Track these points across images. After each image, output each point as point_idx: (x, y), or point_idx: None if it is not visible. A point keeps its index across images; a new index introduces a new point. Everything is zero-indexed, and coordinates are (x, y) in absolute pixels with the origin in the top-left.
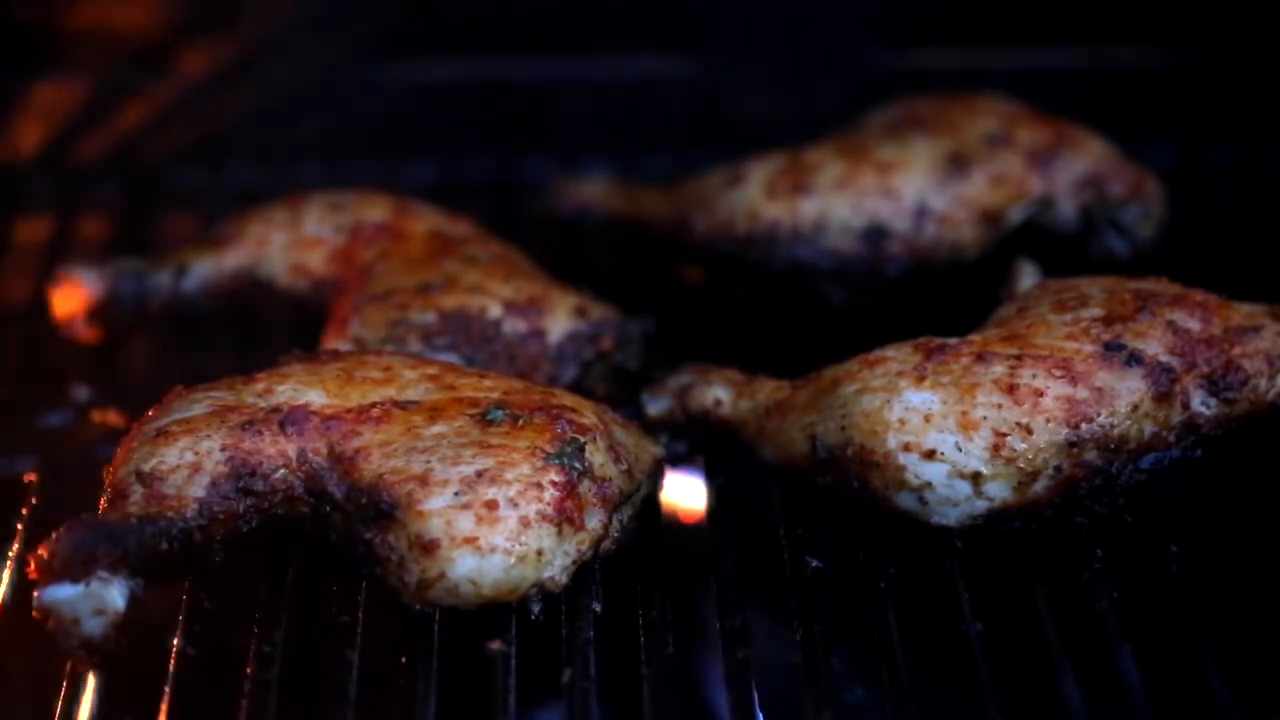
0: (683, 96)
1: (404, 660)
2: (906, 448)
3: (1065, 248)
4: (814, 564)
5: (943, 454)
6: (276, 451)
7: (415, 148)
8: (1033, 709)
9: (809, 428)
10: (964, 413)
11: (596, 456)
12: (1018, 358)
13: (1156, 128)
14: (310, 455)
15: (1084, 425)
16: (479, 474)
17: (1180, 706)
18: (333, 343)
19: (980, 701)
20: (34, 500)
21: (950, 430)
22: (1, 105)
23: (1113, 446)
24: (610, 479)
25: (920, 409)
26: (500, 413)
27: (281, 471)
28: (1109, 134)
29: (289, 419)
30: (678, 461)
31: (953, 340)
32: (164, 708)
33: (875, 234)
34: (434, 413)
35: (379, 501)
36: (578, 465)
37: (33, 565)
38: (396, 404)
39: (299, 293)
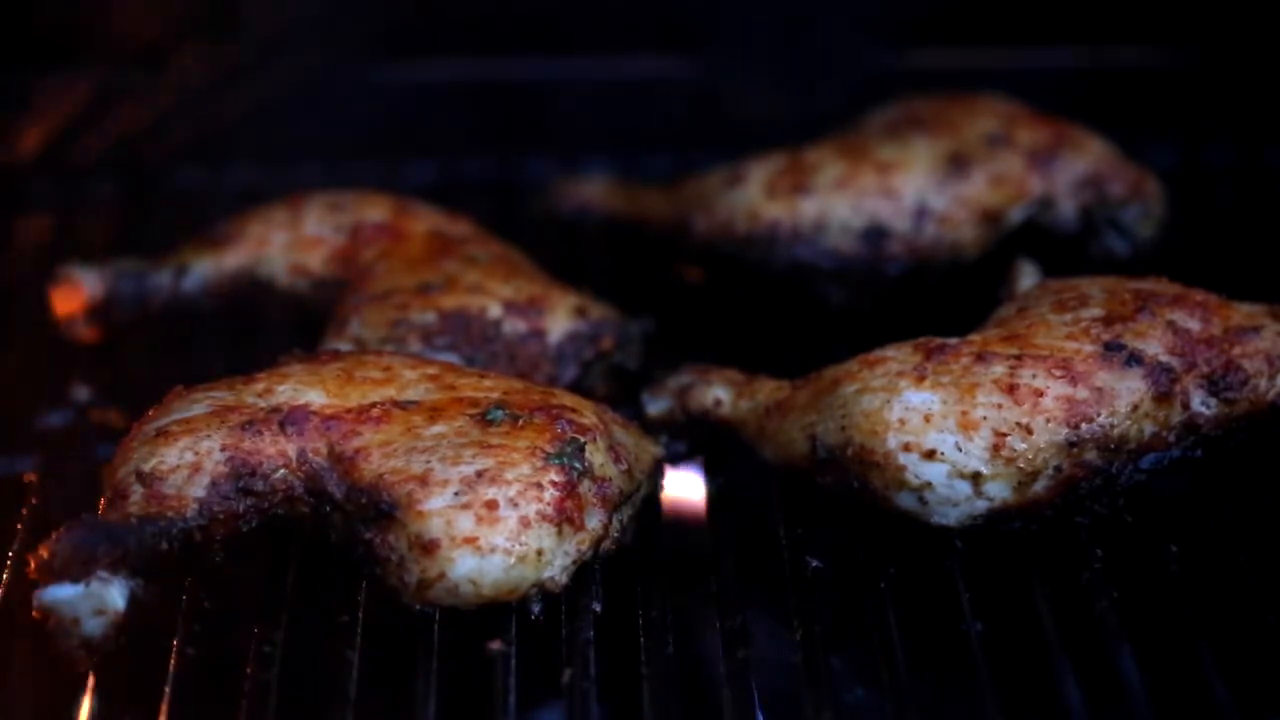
0: (683, 96)
1: (404, 660)
2: (906, 448)
3: (1065, 248)
4: (814, 564)
5: (943, 454)
6: (276, 451)
7: (415, 148)
8: (1033, 709)
9: (809, 428)
10: (964, 413)
11: (596, 456)
12: (1018, 358)
13: (1156, 128)
14: (310, 455)
15: (1084, 425)
16: (479, 474)
17: (1180, 706)
18: (333, 343)
19: (980, 701)
20: (34, 500)
21: (950, 430)
22: (1, 105)
23: (1113, 446)
24: (610, 479)
25: (920, 409)
26: (500, 413)
27: (281, 471)
28: (1109, 134)
29: (289, 419)
30: (678, 461)
31: (953, 340)
32: (164, 708)
33: (875, 234)
34: (434, 413)
35: (379, 501)
36: (578, 465)
37: (33, 565)
38: (396, 404)
39: (299, 293)
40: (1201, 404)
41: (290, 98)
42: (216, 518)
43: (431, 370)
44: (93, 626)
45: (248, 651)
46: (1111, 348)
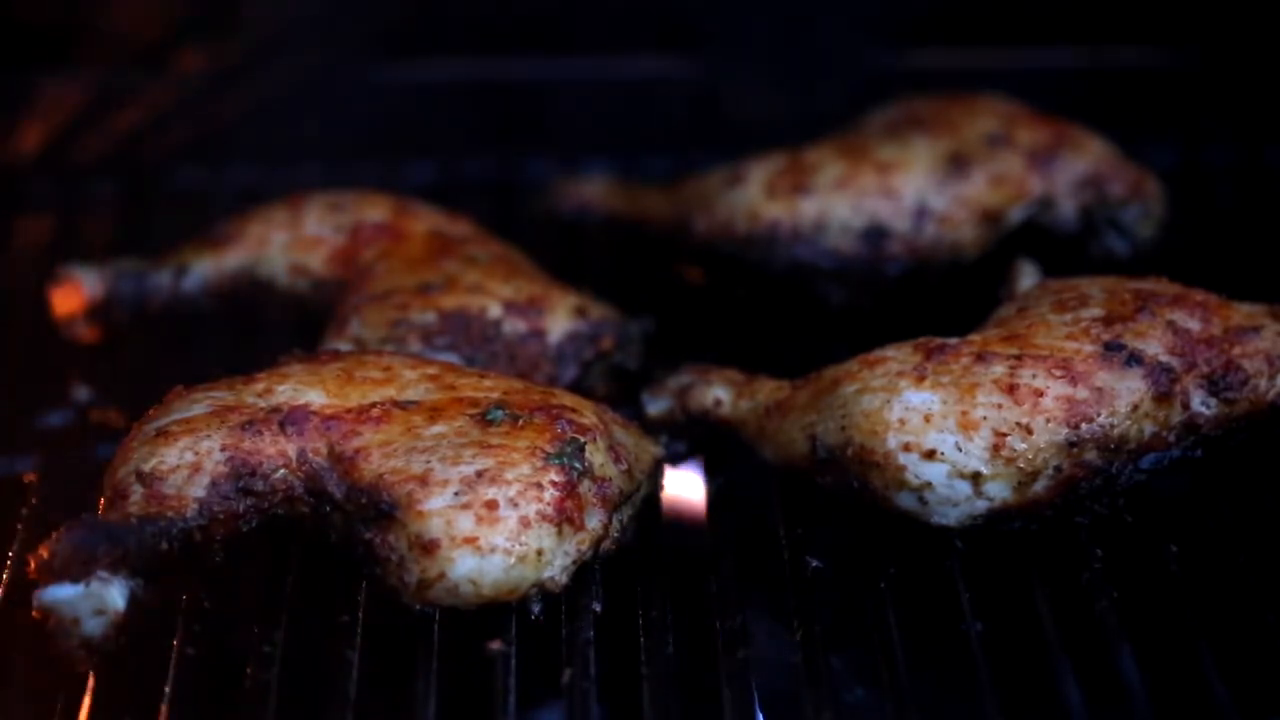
0: (683, 96)
1: (404, 660)
2: (906, 448)
3: (1065, 248)
4: (814, 564)
5: (943, 454)
6: (276, 451)
7: (415, 148)
8: (1033, 709)
9: (809, 428)
10: (964, 413)
11: (596, 456)
12: (1018, 358)
13: (1156, 128)
14: (310, 455)
15: (1084, 425)
16: (479, 474)
17: (1180, 706)
18: (333, 343)
19: (980, 701)
20: (34, 500)
21: (950, 430)
22: (2, 105)
23: (1113, 446)
24: (610, 479)
25: (920, 409)
26: (500, 413)
27: (281, 471)
28: (1109, 134)
29: (289, 419)
30: (678, 461)
31: (953, 340)
32: (164, 708)
33: (875, 234)
34: (434, 413)
35: (379, 501)
36: (578, 465)
37: (33, 565)
38: (396, 404)
39: (299, 293)
40: (1201, 404)
41: (290, 98)
42: (216, 518)
43: (431, 370)
44: (93, 626)
45: (248, 651)
46: (1111, 348)
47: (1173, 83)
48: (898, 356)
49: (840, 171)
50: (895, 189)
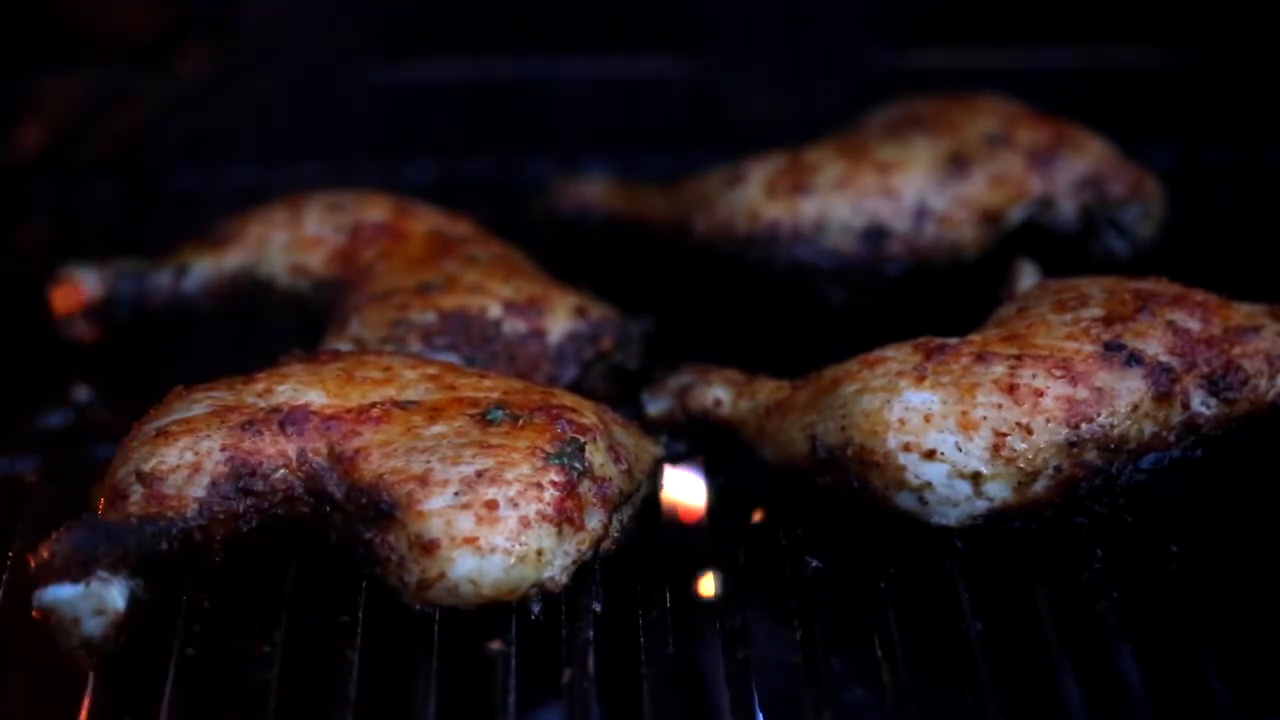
0: (683, 96)
1: (404, 660)
2: (906, 448)
3: (1065, 248)
4: (814, 564)
5: (943, 454)
6: (276, 451)
7: (415, 148)
8: (1033, 709)
9: (809, 428)
10: (964, 413)
11: (596, 456)
12: (1018, 358)
13: (1156, 128)
14: (310, 455)
15: (1084, 425)
16: (479, 474)
17: (1180, 706)
18: (333, 343)
19: (980, 701)
20: (34, 500)
21: (950, 430)
22: (2, 105)
23: (1113, 446)
24: (610, 479)
25: (920, 409)
26: (500, 413)
27: (281, 471)
28: (1109, 134)
29: (289, 419)
30: (678, 461)
31: (953, 340)
32: (164, 708)
33: (875, 234)
34: (434, 413)
35: (379, 501)
36: (578, 465)
37: (33, 565)
38: (396, 404)
39: (299, 293)
40: (1201, 404)
41: (290, 98)
42: (216, 518)
43: (431, 370)
44: (93, 626)
45: (248, 651)
46: (1111, 348)
47: (1173, 83)
48: (898, 356)
49: (840, 171)
50: (895, 189)
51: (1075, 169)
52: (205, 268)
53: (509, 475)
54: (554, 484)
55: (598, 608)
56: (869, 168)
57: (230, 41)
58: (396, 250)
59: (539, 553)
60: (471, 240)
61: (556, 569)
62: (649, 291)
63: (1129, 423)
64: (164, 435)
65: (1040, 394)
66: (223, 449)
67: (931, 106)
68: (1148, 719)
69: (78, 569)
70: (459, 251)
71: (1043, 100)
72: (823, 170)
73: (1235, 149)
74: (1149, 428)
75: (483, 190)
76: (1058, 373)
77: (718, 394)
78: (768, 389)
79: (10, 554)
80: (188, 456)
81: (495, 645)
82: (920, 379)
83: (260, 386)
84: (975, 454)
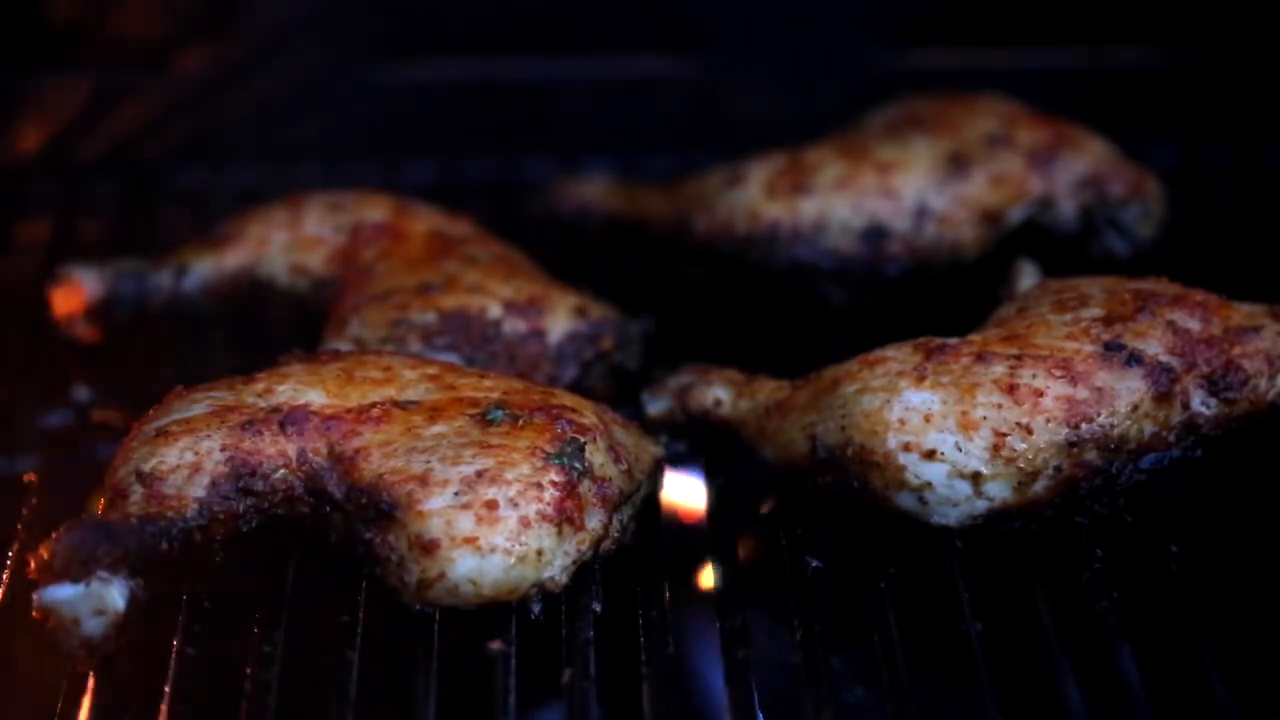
0: (683, 96)
1: (404, 660)
2: (906, 448)
3: (1065, 248)
4: (814, 564)
5: (943, 454)
6: (276, 451)
7: (415, 148)
8: (1033, 709)
9: (809, 428)
10: (964, 413)
11: (596, 456)
12: (1018, 358)
13: (1156, 128)
14: (310, 455)
15: (1084, 425)
16: (479, 474)
17: (1180, 706)
18: (333, 343)
19: (980, 701)
20: (34, 500)
21: (950, 430)
22: (2, 105)
23: (1113, 446)
24: (610, 479)
25: (920, 409)
26: (500, 413)
27: (281, 471)
28: (1109, 134)
29: (289, 419)
30: (678, 461)
31: (953, 340)
32: (164, 708)
33: (875, 234)
34: (434, 413)
35: (379, 501)
36: (578, 465)
37: (33, 565)
38: (396, 404)
39: (299, 293)
40: (1201, 404)
41: (290, 98)
42: (216, 518)
43: (431, 370)
44: (93, 626)
45: (248, 651)
46: (1111, 348)
47: (1173, 83)
48: (898, 356)
49: (840, 171)
50: (895, 189)
51: (1075, 169)
52: (205, 268)
53: (509, 475)
54: (554, 484)
55: (598, 608)
56: (869, 168)
57: (230, 41)
58: (396, 250)
59: (539, 553)
60: (471, 240)
61: (556, 569)
62: (649, 291)
63: (1129, 423)
64: (164, 435)
65: (1040, 394)
66: (223, 449)
67: (931, 106)
68: (1148, 719)
69: (78, 569)
70: (459, 251)
71: (1043, 100)
72: (823, 170)
73: (1235, 149)
74: (1149, 428)
75: (483, 190)
76: (1058, 373)
77: (718, 394)
78: (768, 389)
79: (11, 554)
80: (188, 456)
81: (495, 645)
82: (920, 379)
83: (260, 386)
84: (975, 454)
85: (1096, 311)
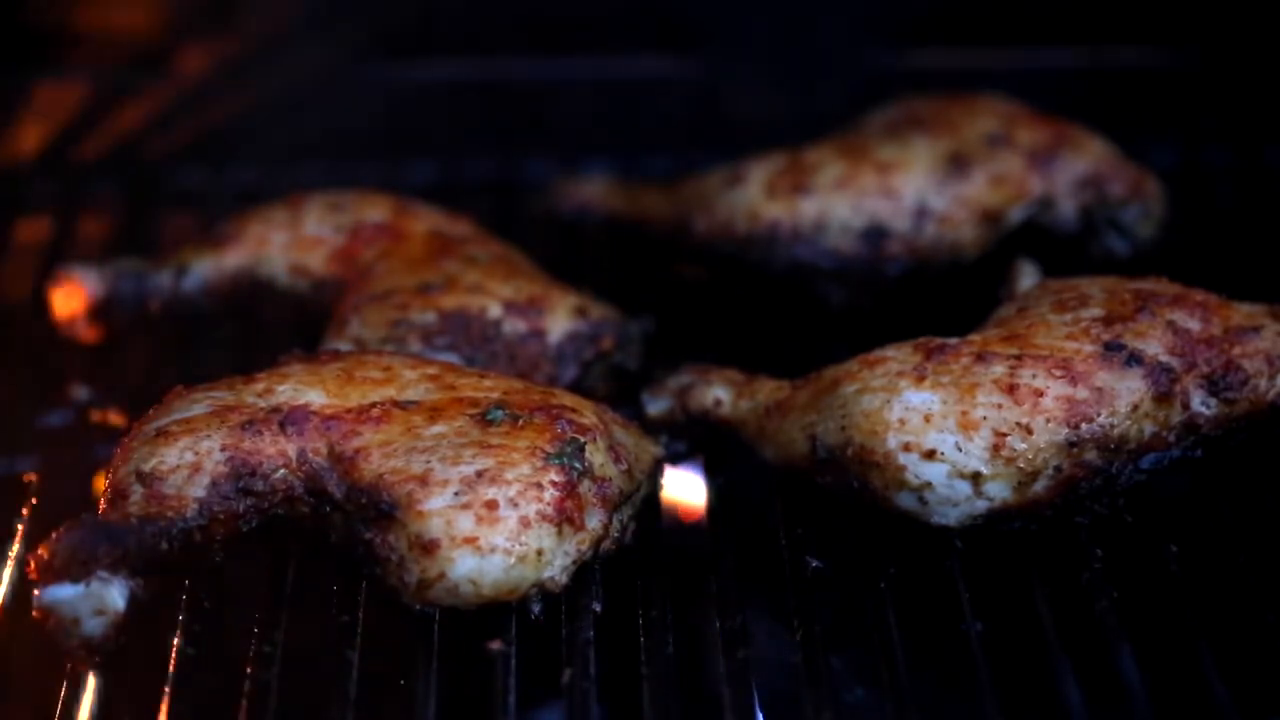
0: (683, 96)
1: (404, 660)
2: (906, 448)
3: (1065, 248)
4: (814, 564)
5: (943, 454)
6: (276, 451)
7: (415, 148)
8: (1033, 709)
9: (809, 428)
10: (964, 413)
11: (596, 456)
12: (1018, 358)
13: (1156, 128)
14: (310, 455)
15: (1084, 425)
16: (479, 474)
17: (1180, 706)
18: (333, 343)
19: (980, 701)
20: (34, 500)
21: (950, 430)
22: (1, 105)
23: (1113, 446)
24: (610, 479)
25: (920, 409)
26: (500, 413)
27: (281, 471)
28: (1109, 134)
29: (289, 419)
30: (678, 461)
31: (953, 340)
32: (164, 708)
33: (875, 234)
34: (434, 413)
35: (379, 501)
36: (578, 465)
37: (33, 565)
38: (396, 404)
39: (299, 293)
40: (1201, 404)
41: (290, 98)
42: (216, 518)
43: (431, 370)
44: (93, 626)
45: (248, 651)
46: (1111, 348)
47: (1173, 83)
48: (898, 356)
49: (840, 171)
50: (895, 189)
51: (1075, 169)
52: (205, 268)
53: (509, 475)
54: (554, 484)
55: (598, 608)
56: (869, 168)
57: (231, 41)
58: (396, 250)
59: (539, 553)
60: (471, 240)
61: (556, 569)
62: (649, 291)
63: (1129, 423)
64: (164, 435)
65: (1040, 394)
66: (223, 449)
67: (931, 106)
68: (1148, 719)
69: (78, 569)
70: (459, 251)
71: (1043, 100)
72: (823, 170)
73: (1235, 149)
74: (1149, 428)
75: (483, 190)
76: (1058, 373)
77: (718, 394)
78: (768, 389)
79: (10, 554)
80: (188, 456)
81: (495, 645)
82: (920, 379)
83: (260, 386)
84: (975, 454)
85: (1096, 311)
